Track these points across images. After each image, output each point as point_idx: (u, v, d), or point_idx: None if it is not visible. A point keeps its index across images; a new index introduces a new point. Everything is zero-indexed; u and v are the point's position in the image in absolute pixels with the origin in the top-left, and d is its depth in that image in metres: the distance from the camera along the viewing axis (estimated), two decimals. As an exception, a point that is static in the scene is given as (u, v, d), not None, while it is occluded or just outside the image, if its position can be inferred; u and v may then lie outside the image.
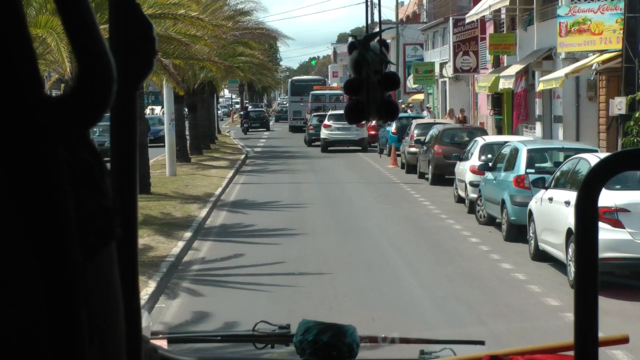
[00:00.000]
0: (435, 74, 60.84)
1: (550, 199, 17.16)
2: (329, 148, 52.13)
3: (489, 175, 22.44)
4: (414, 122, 39.65)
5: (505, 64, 42.52)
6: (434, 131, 34.41)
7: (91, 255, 1.13)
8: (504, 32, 41.68)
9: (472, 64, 47.30)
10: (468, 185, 25.26)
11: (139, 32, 1.41)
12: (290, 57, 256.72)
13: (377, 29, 3.56)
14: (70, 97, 1.11)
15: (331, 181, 34.71)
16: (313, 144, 54.36)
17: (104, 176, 1.16)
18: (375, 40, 3.58)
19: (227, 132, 77.35)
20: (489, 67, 47.02)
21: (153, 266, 16.41)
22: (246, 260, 18.18)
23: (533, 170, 20.41)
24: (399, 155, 41.07)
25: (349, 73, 3.66)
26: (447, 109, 58.41)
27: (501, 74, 37.50)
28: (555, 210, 16.77)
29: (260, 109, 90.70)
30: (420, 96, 71.70)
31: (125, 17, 1.41)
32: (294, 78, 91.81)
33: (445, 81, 60.04)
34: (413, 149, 37.24)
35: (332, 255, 18.75)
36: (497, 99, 42.71)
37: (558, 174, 17.85)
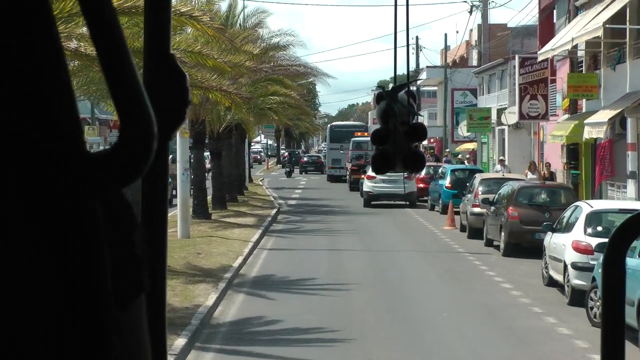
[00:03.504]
0: (492, 121, 54.49)
1: None
2: (373, 202, 45.83)
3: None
4: (478, 176, 33.22)
5: (583, 110, 36.09)
6: (506, 189, 28.02)
7: (124, 305, 1.15)
8: (583, 73, 35.30)
9: (541, 109, 40.89)
10: (570, 267, 18.80)
11: (173, 82, 1.42)
12: (329, 102, 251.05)
13: (409, 78, 4.08)
14: (113, 154, 1.14)
15: (379, 247, 28.36)
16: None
17: (134, 226, 1.18)
18: (404, 92, 3.88)
19: (261, 180, 71.17)
20: (560, 113, 40.62)
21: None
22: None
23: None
24: (456, 213, 34.67)
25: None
26: (506, 160, 51.96)
27: (587, 121, 31.09)
28: None
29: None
30: (470, 145, 65.29)
31: (160, 67, 1.43)
32: (334, 123, 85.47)
33: (503, 129, 53.64)
34: (477, 210, 30.86)
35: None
36: (573, 151, 36.24)
37: None
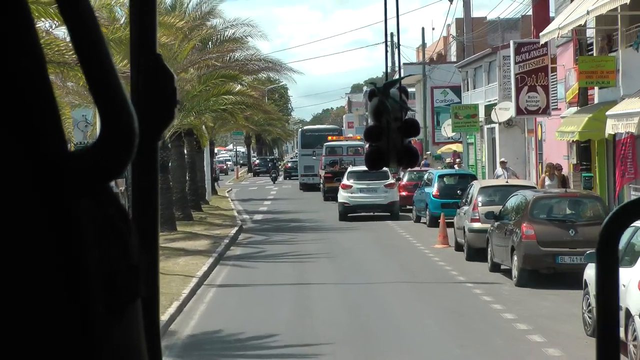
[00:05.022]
0: (480, 119, 48.76)
1: None
2: (350, 214, 39.98)
3: None
4: (476, 184, 27.32)
5: (596, 100, 30.38)
6: (516, 200, 22.22)
7: (118, 312, 1.14)
8: (594, 56, 29.56)
9: (541, 102, 35.10)
10: (637, 318, 12.92)
11: (161, 82, 1.42)
12: (303, 106, 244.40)
13: (397, 76, 3.57)
14: (93, 151, 1.14)
15: (357, 278, 22.53)
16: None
17: (130, 233, 1.18)
18: (395, 87, 3.84)
19: (228, 191, 65.10)
20: (563, 106, 34.90)
21: None
22: None
23: None
24: (448, 224, 28.82)
25: (365, 123, 3.69)
26: (497, 161, 46.20)
27: (611, 112, 25.31)
28: None
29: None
30: (454, 147, 59.54)
31: (147, 67, 1.43)
32: (305, 127, 79.45)
33: (493, 127, 47.90)
34: (478, 225, 25.09)
35: None
36: (585, 150, 30.50)
37: None
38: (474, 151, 53.75)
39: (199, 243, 29.92)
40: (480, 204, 25.65)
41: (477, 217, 25.28)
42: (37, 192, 1.10)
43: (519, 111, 35.42)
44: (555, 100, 35.72)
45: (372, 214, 40.42)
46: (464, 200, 27.55)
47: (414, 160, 3.95)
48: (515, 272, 20.98)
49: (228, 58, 35.87)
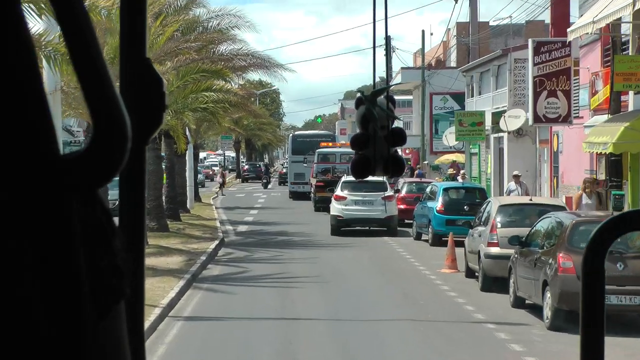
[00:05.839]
0: (486, 128, 44.95)
1: None
2: (343, 229, 36.13)
3: None
4: (495, 201, 23.34)
5: (631, 108, 26.56)
6: (548, 223, 18.37)
7: (103, 313, 1.15)
8: (630, 55, 25.72)
9: (562, 109, 31.23)
10: None
11: (150, 87, 1.42)
12: (295, 112, 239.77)
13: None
14: (85, 155, 1.14)
15: (353, 313, 18.66)
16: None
17: (114, 235, 1.19)
18: (383, 96, 3.89)
19: (213, 198, 61.14)
20: (586, 115, 31.10)
21: None
22: None
23: None
24: (458, 243, 25.00)
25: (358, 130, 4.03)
26: (505, 173, 42.34)
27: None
28: None
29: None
30: (453, 157, 55.73)
31: (136, 71, 1.43)
32: (297, 133, 75.44)
33: (500, 137, 44.08)
34: (496, 251, 21.29)
35: None
36: (615, 164, 26.66)
37: None
38: (477, 162, 49.94)
39: (171, 260, 26.05)
40: (499, 225, 21.80)
41: (496, 241, 21.46)
42: (28, 193, 1.09)
43: (536, 118, 31.55)
44: (577, 108, 31.91)
45: (367, 228, 36.63)
46: (477, 220, 23.69)
47: (400, 169, 4.09)
48: (548, 312, 17.09)
49: (212, 52, 32.02)
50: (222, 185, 68.43)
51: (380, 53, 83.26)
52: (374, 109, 3.79)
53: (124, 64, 1.44)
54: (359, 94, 3.89)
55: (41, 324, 1.09)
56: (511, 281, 19.52)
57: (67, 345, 1.10)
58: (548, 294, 17.09)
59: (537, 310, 18.10)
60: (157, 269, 23.59)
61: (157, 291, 20.08)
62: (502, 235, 21.28)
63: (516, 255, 19.30)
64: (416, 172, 61.29)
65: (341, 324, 17.50)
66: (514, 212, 22.34)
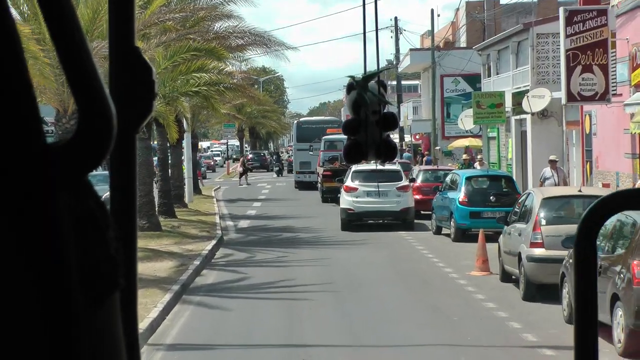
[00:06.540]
0: (506, 109, 41.48)
1: None
2: (355, 223, 32.78)
3: None
4: (537, 193, 19.80)
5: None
6: (616, 222, 14.92)
7: (97, 303, 1.14)
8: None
9: (598, 86, 27.76)
10: None
11: (139, 74, 1.41)
12: (299, 98, 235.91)
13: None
14: (71, 143, 1.13)
15: (376, 335, 15.26)
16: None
17: (107, 225, 1.18)
18: (374, 81, 3.85)
19: (215, 189, 57.70)
20: (625, 92, 27.66)
21: None
22: None
23: None
24: (490, 239, 21.60)
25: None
26: (529, 159, 38.90)
27: None
28: None
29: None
30: (466, 142, 52.06)
31: (125, 60, 1.42)
32: (302, 119, 71.77)
33: (522, 119, 40.59)
34: (541, 252, 17.90)
35: None
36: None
37: None
38: (496, 147, 46.45)
39: (160, 266, 22.69)
40: (543, 222, 18.37)
41: (540, 241, 18.06)
42: (15, 183, 1.08)
43: (570, 97, 28.02)
44: (614, 84, 28.44)
45: (381, 221, 33.28)
46: (513, 215, 20.27)
47: (392, 154, 3.98)
48: (620, 335, 13.70)
49: (206, 29, 28.57)
50: (244, 173, 64.90)
51: (387, 35, 79.24)
52: (365, 94, 3.78)
53: (113, 51, 1.41)
54: (349, 79, 3.87)
55: (30, 315, 1.07)
56: (565, 291, 16.12)
57: (57, 337, 1.08)
58: (619, 312, 13.69)
59: (602, 330, 14.70)
60: (142, 279, 20.16)
61: (139, 310, 16.67)
62: (548, 234, 17.91)
63: (570, 260, 15.90)
64: (424, 159, 57.91)
65: (363, 352, 14.11)
66: (561, 206, 18.90)
